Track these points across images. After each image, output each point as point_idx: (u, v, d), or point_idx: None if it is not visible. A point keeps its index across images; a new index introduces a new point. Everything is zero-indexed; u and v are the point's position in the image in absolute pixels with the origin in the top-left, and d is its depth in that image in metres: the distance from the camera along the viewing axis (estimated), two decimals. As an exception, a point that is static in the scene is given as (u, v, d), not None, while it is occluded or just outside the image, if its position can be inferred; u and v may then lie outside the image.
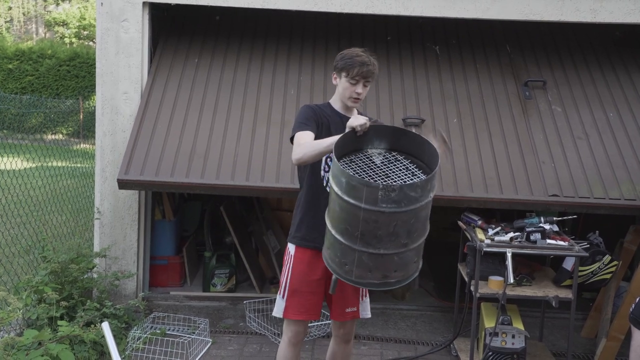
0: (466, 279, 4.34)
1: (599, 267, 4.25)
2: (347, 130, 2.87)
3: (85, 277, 4.78)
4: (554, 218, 4.26)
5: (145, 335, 4.50)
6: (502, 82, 5.34)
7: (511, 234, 4.11)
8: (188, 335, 4.51)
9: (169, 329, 4.70)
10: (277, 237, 6.05)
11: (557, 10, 5.08)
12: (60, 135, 17.89)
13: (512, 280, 3.88)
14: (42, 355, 3.50)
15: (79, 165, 9.97)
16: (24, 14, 28.82)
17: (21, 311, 4.02)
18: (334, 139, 2.85)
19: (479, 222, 4.33)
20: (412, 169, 2.90)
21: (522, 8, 5.07)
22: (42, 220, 6.24)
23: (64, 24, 26.85)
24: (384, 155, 2.95)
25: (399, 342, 4.79)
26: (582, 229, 5.37)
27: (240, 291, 5.61)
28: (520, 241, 4.08)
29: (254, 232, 6.01)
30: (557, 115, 5.11)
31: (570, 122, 5.07)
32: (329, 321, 4.13)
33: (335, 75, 3.22)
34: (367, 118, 2.89)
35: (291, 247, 3.28)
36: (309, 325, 4.55)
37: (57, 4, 28.60)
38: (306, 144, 3.00)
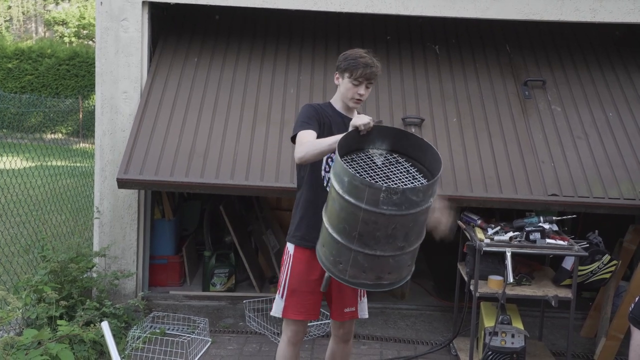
0: (466, 278, 4.34)
1: (598, 266, 4.25)
2: (350, 129, 2.87)
3: (84, 276, 4.78)
4: (554, 217, 4.26)
5: (144, 335, 4.50)
6: (502, 82, 5.34)
7: (511, 234, 4.11)
8: (188, 335, 4.51)
9: (168, 329, 4.70)
10: (277, 237, 6.05)
11: (557, 10, 5.08)
12: (60, 135, 17.88)
13: (511, 280, 3.88)
14: (42, 355, 3.50)
15: (78, 164, 9.96)
16: (23, 13, 28.82)
17: (20, 311, 4.02)
18: (336, 138, 2.84)
19: (479, 222, 4.33)
20: (413, 172, 2.90)
21: (522, 8, 5.07)
22: (42, 219, 6.24)
23: (64, 23, 26.85)
24: (385, 157, 2.95)
25: (398, 342, 4.79)
26: (582, 228, 5.37)
27: (239, 291, 5.61)
28: (519, 241, 4.08)
29: (253, 232, 6.01)
30: (557, 115, 5.11)
31: (569, 121, 5.07)
32: (329, 321, 4.13)
33: (337, 75, 3.21)
34: (370, 118, 2.88)
35: (290, 247, 3.28)
36: (309, 324, 4.55)
37: (57, 3, 28.59)
38: (308, 142, 2.99)
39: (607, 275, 4.31)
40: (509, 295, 3.99)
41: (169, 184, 4.55)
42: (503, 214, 4.83)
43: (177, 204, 5.99)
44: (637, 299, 3.48)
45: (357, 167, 2.84)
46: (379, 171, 2.85)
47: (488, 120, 5.04)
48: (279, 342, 3.44)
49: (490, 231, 4.19)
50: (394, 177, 2.84)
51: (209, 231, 5.96)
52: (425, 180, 2.84)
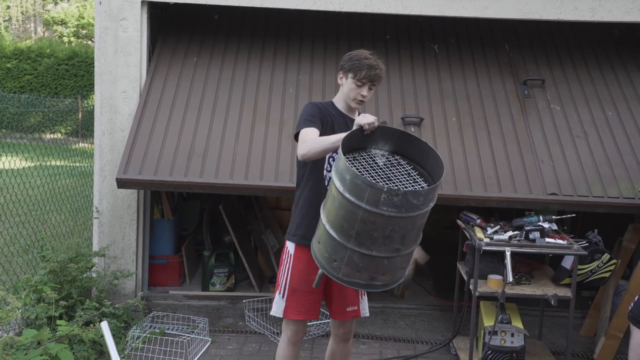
0: (465, 277, 4.34)
1: (597, 265, 4.25)
2: (355, 127, 2.87)
3: (84, 276, 4.78)
4: (553, 217, 4.26)
5: (144, 335, 4.50)
6: (501, 81, 5.34)
7: (510, 233, 4.11)
8: (187, 335, 4.51)
9: (168, 328, 4.70)
10: (276, 236, 6.05)
11: (556, 9, 5.08)
12: (59, 135, 17.88)
13: (511, 279, 3.88)
14: (41, 355, 3.50)
15: (77, 164, 9.96)
16: (22, 12, 28.80)
17: (20, 311, 4.02)
18: (339, 136, 2.85)
19: (478, 221, 4.33)
20: (414, 175, 2.90)
21: (521, 7, 5.07)
22: (41, 219, 6.24)
23: (63, 23, 26.86)
24: (387, 158, 2.95)
25: (398, 341, 4.79)
26: (581, 227, 5.37)
27: (239, 290, 5.61)
28: (519, 240, 4.08)
29: (252, 231, 6.01)
30: (556, 114, 5.11)
31: (568, 120, 5.07)
32: (328, 320, 4.13)
33: (341, 75, 3.21)
34: (375, 118, 2.88)
35: (290, 246, 3.27)
36: (308, 324, 4.55)
37: (56, 3, 28.59)
38: (312, 140, 2.99)
39: (607, 274, 4.31)
40: (509, 294, 3.99)
41: (168, 183, 4.55)
42: (502, 213, 4.83)
43: (177, 203, 5.98)
44: (636, 297, 3.48)
45: (358, 166, 2.84)
46: (380, 172, 2.85)
47: (487, 120, 5.04)
48: (278, 341, 3.44)
49: (489, 230, 4.19)
50: (395, 179, 2.84)
51: (208, 231, 5.96)
52: (426, 185, 2.84)
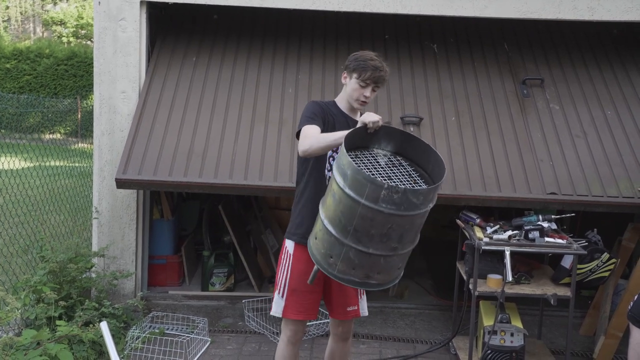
0: (465, 277, 4.34)
1: (597, 265, 4.25)
2: (359, 125, 2.87)
3: (83, 276, 4.77)
4: (552, 216, 4.26)
5: (144, 335, 4.49)
6: (500, 81, 5.34)
7: (509, 232, 4.11)
8: (187, 335, 4.51)
9: (167, 329, 4.70)
10: (276, 236, 6.05)
11: (555, 9, 5.08)
12: (58, 135, 17.88)
13: (510, 279, 3.88)
14: (41, 355, 3.50)
15: (77, 164, 9.96)
16: (21, 13, 28.80)
17: (19, 311, 4.02)
18: (342, 133, 2.86)
19: (478, 221, 4.33)
20: (415, 176, 2.90)
21: (520, 6, 5.07)
22: (40, 219, 6.24)
23: (62, 23, 26.85)
24: (389, 158, 2.95)
25: (397, 341, 4.79)
26: (581, 227, 5.37)
27: (238, 290, 5.61)
28: (518, 239, 4.08)
29: (252, 231, 6.01)
30: (555, 114, 5.11)
31: (568, 120, 5.07)
32: (328, 320, 4.13)
33: (345, 75, 3.22)
34: (380, 117, 2.89)
35: (289, 245, 3.27)
36: (308, 324, 4.55)
37: (55, 3, 28.59)
38: (314, 136, 3.00)
39: (606, 274, 4.31)
40: (508, 294, 3.99)
41: (167, 183, 4.55)
42: (502, 212, 4.83)
43: (176, 203, 5.98)
44: (636, 297, 3.49)
45: (360, 163, 2.84)
46: (381, 171, 2.85)
47: (486, 119, 5.04)
48: (278, 341, 3.44)
49: (489, 230, 4.19)
50: (395, 179, 2.84)
51: (207, 231, 5.96)
52: (425, 186, 2.85)
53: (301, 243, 3.20)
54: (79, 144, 15.78)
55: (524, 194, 4.54)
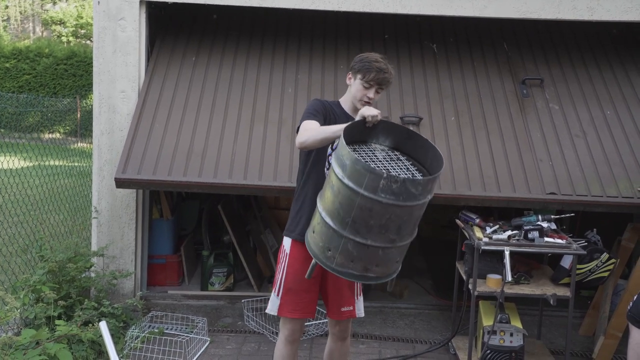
0: (464, 277, 4.34)
1: (596, 265, 4.25)
2: (358, 118, 2.89)
3: (83, 276, 4.77)
4: (552, 216, 4.26)
5: (143, 334, 4.49)
6: (500, 80, 5.34)
7: (509, 232, 4.11)
8: (186, 334, 4.51)
9: (167, 328, 4.70)
10: (275, 236, 6.05)
11: (554, 9, 5.08)
12: (58, 134, 17.87)
13: (510, 279, 3.88)
14: (40, 355, 3.50)
15: (76, 164, 9.96)
16: (21, 12, 28.78)
17: (19, 310, 4.02)
18: (340, 126, 2.87)
19: (477, 221, 4.33)
20: (413, 170, 2.90)
21: (519, 6, 5.07)
22: (40, 219, 6.24)
23: (61, 22, 26.82)
24: (387, 153, 2.96)
25: (397, 341, 4.79)
26: (580, 227, 5.37)
27: (238, 290, 5.61)
28: (518, 239, 4.08)
29: (251, 231, 6.01)
30: (555, 113, 5.11)
31: (567, 120, 5.07)
32: (326, 320, 4.13)
33: (350, 76, 3.23)
34: (379, 111, 2.90)
35: (287, 242, 3.27)
36: (307, 324, 4.56)
37: (54, 3, 28.58)
38: (312, 129, 3.02)
39: (606, 274, 4.31)
40: (508, 294, 3.99)
41: (167, 183, 4.55)
42: (501, 212, 4.83)
43: (176, 203, 5.98)
44: (635, 297, 3.49)
45: (358, 156, 2.84)
46: (379, 164, 2.85)
47: (486, 119, 5.04)
48: (277, 341, 3.44)
49: (488, 230, 4.19)
50: (393, 173, 2.84)
51: (207, 231, 5.96)
52: None
53: (299, 240, 3.21)
54: (79, 144, 15.77)
55: (524, 193, 4.54)
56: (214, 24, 5.62)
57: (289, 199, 4.70)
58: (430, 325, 5.11)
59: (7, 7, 28.21)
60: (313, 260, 2.94)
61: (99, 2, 5.06)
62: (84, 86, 19.19)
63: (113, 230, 5.12)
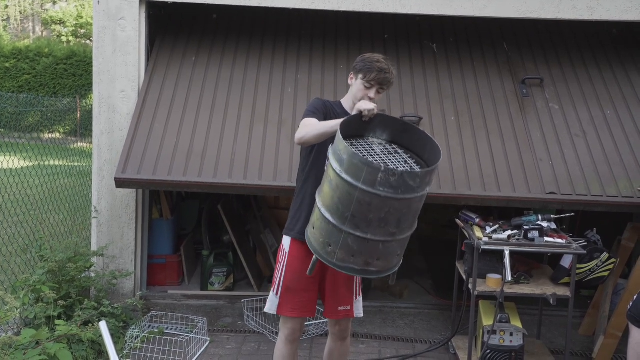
0: (464, 277, 4.34)
1: (596, 264, 4.25)
2: (354, 112, 2.89)
3: (82, 276, 4.77)
4: (552, 216, 4.26)
5: (143, 334, 4.49)
6: (500, 80, 5.34)
7: (509, 232, 4.11)
8: (186, 334, 4.51)
9: (166, 328, 4.70)
10: (275, 236, 6.05)
11: (554, 8, 5.08)
12: (58, 134, 17.86)
13: (510, 278, 3.88)
14: (40, 355, 3.50)
15: (76, 164, 9.95)
16: (20, 12, 28.77)
17: (19, 310, 4.02)
18: (338, 121, 2.88)
19: (477, 220, 4.33)
20: (411, 163, 2.90)
21: (519, 6, 5.07)
22: (40, 219, 6.24)
23: (61, 22, 26.82)
24: (385, 146, 2.96)
25: (397, 341, 4.79)
26: (580, 226, 5.37)
27: (238, 290, 5.61)
28: (518, 239, 4.08)
29: (251, 231, 6.01)
30: (555, 113, 5.11)
31: (567, 119, 5.07)
32: (327, 319, 4.13)
33: (352, 76, 3.25)
34: (375, 105, 2.91)
35: (286, 241, 3.28)
36: (307, 323, 4.56)
37: (54, 3, 28.58)
38: (310, 125, 3.03)
39: (606, 274, 4.31)
40: (508, 293, 3.99)
41: (166, 183, 4.55)
42: (501, 212, 4.83)
43: (175, 203, 5.98)
44: (635, 297, 3.49)
45: (355, 151, 2.84)
46: (377, 158, 2.85)
47: (486, 119, 5.04)
48: (277, 340, 3.44)
49: (488, 229, 4.19)
50: (391, 166, 2.84)
51: (207, 230, 5.96)
52: None
53: (298, 239, 3.21)
54: (78, 143, 15.77)
55: (524, 193, 4.54)
56: (213, 23, 5.62)
57: (288, 199, 4.70)
58: (430, 325, 5.11)
59: (7, 6, 28.20)
60: (314, 256, 2.94)
61: (98, 1, 5.06)
62: (84, 86, 19.19)
63: (113, 230, 5.12)
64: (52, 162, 7.75)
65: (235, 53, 5.42)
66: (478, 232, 4.17)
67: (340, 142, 2.68)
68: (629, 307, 3.49)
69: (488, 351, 4.01)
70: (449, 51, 5.56)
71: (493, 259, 4.21)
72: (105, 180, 5.06)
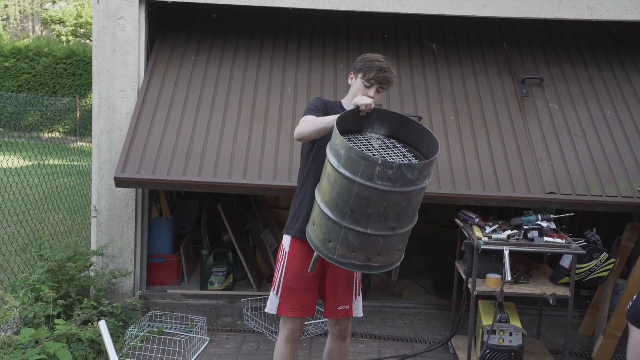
0: (464, 277, 4.34)
1: (596, 264, 4.25)
2: (352, 107, 2.88)
3: (82, 275, 4.77)
4: (552, 216, 4.26)
5: (142, 334, 4.49)
6: (500, 80, 5.34)
7: (509, 232, 4.11)
8: (185, 334, 4.51)
9: (166, 328, 4.70)
10: (275, 235, 6.05)
11: (554, 8, 5.08)
12: (57, 134, 17.86)
13: (509, 278, 3.88)
14: (40, 354, 3.49)
15: (76, 163, 9.95)
16: (20, 12, 28.78)
17: (18, 310, 4.02)
18: (335, 116, 2.88)
19: (477, 220, 4.33)
20: (409, 157, 2.90)
21: (519, 6, 5.07)
22: (39, 218, 6.23)
23: (61, 22, 26.82)
24: (383, 141, 2.95)
25: (396, 340, 4.79)
26: (580, 226, 5.37)
27: (237, 289, 5.61)
28: (517, 239, 4.08)
29: (251, 230, 6.01)
30: (555, 113, 5.11)
31: (567, 119, 5.07)
32: (326, 319, 4.13)
33: (352, 75, 3.25)
34: (372, 100, 2.90)
35: (286, 241, 3.27)
36: (307, 323, 4.56)
37: (54, 2, 28.58)
38: (308, 121, 3.04)
39: (605, 274, 4.31)
40: (507, 293, 3.99)
41: (166, 182, 4.55)
42: (501, 212, 4.83)
43: (175, 203, 5.98)
44: (635, 297, 3.49)
45: (353, 145, 2.84)
46: (375, 153, 2.85)
47: (486, 119, 5.04)
48: (276, 340, 3.44)
49: (488, 229, 4.19)
50: (389, 159, 2.84)
51: (206, 230, 5.95)
52: None
53: (298, 238, 3.21)
54: (78, 143, 15.75)
55: (523, 193, 4.54)
56: (213, 23, 5.62)
57: (288, 199, 4.70)
58: (430, 325, 5.11)
59: (6, 6, 28.21)
60: (315, 253, 2.93)
61: (98, 1, 5.06)
62: (84, 85, 19.19)
63: (113, 230, 5.11)
64: (51, 162, 7.74)
65: (235, 53, 5.42)
66: (478, 232, 4.17)
67: (337, 137, 2.67)
68: (628, 307, 3.49)
69: (488, 351, 4.00)
70: (448, 51, 5.56)
71: (493, 259, 4.21)
72: (105, 179, 5.06)
